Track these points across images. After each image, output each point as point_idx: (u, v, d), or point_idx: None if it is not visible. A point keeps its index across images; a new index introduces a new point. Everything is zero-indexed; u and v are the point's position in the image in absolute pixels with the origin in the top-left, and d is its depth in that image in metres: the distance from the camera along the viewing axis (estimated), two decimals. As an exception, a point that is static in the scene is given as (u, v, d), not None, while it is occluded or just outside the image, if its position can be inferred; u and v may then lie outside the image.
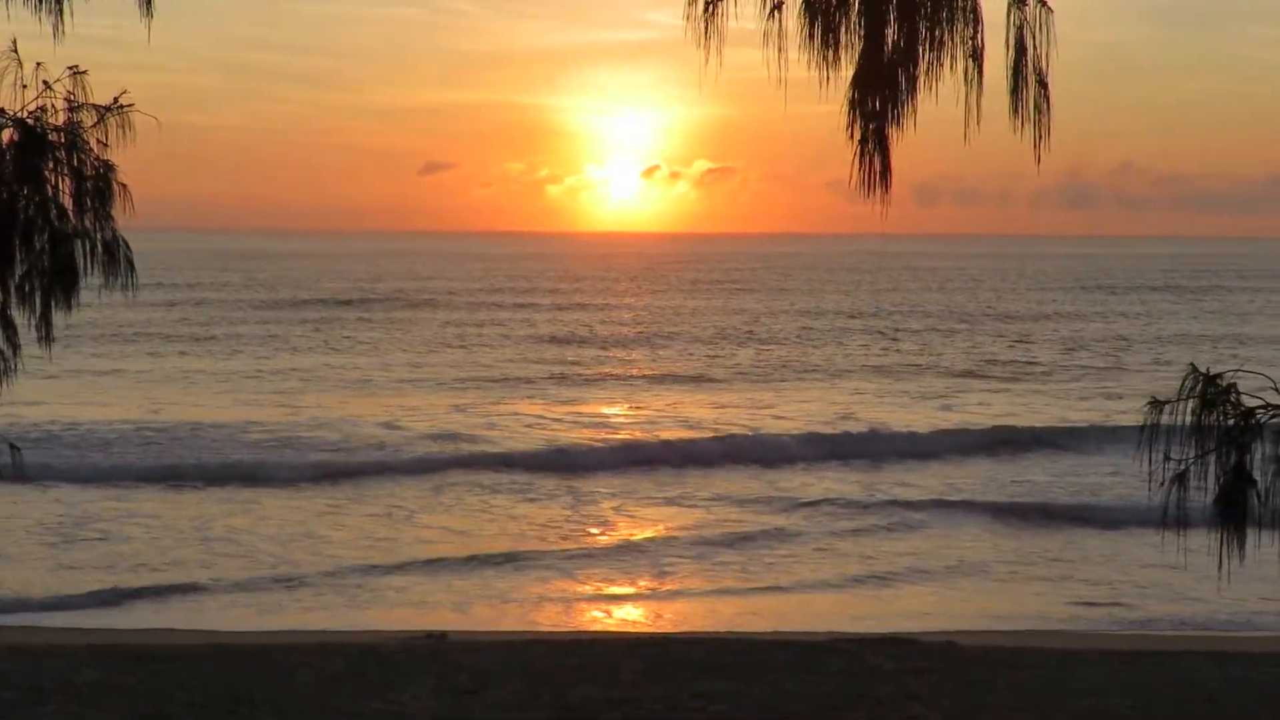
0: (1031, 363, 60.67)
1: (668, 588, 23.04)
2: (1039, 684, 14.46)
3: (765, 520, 28.22)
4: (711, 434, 37.97)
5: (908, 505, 29.64)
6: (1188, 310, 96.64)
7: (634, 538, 26.71)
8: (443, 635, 17.56)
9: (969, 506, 29.56)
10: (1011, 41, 7.54)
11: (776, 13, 7.57)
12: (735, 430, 38.67)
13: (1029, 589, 23.21)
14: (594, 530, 27.49)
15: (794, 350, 66.24)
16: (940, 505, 29.58)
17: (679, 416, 42.40)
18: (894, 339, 71.67)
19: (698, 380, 53.87)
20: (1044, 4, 7.68)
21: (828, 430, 38.53)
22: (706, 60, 7.58)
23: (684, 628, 20.13)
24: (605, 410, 44.75)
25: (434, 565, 23.91)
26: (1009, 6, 7.52)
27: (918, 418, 42.28)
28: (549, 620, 20.87)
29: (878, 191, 7.55)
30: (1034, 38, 7.55)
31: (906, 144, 8.09)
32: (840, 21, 7.52)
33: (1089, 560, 25.19)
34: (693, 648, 16.02)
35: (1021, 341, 71.56)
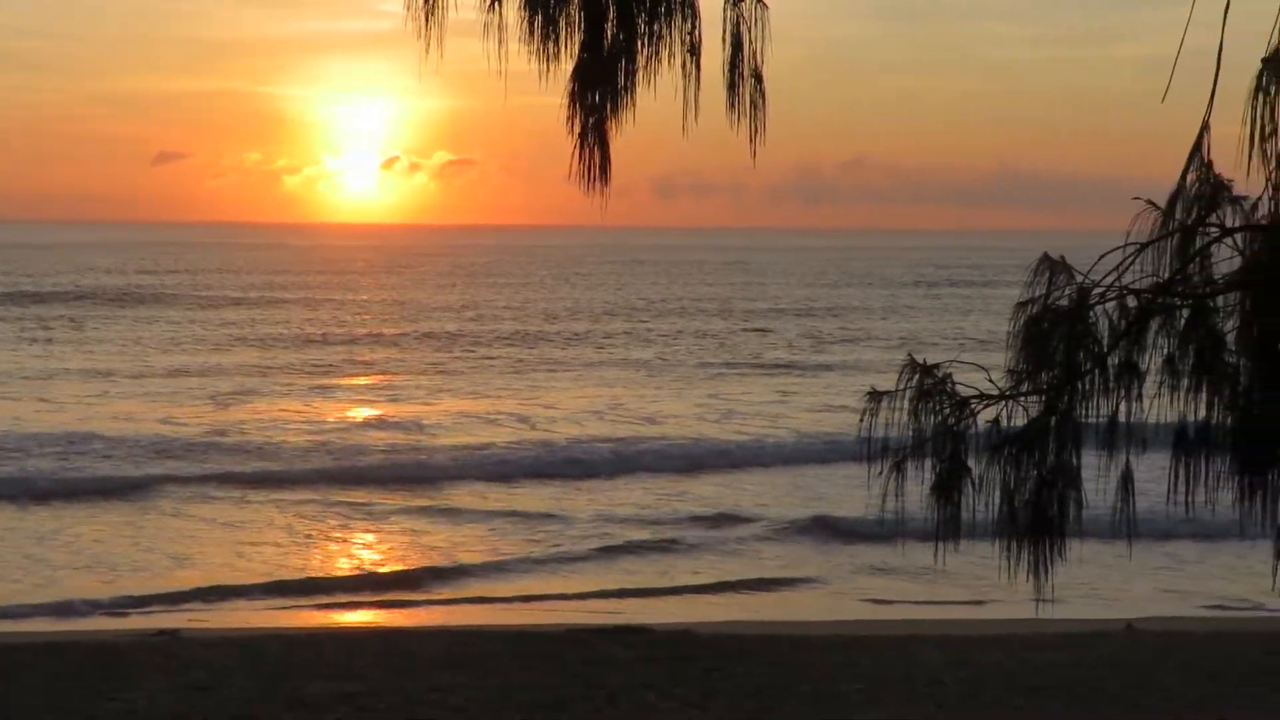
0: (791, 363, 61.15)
1: (410, 596, 22.77)
2: (772, 670, 14.66)
3: (508, 528, 27.89)
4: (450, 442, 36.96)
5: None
6: (929, 305, 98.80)
7: (377, 544, 26.40)
8: (175, 632, 17.24)
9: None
10: (728, 37, 7.60)
11: (497, 5, 7.54)
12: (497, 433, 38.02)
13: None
14: (334, 536, 27.01)
15: (553, 348, 65.74)
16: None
17: (449, 418, 41.62)
18: (647, 339, 71.67)
19: (445, 375, 53.60)
20: (760, 1, 7.76)
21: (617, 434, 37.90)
22: (427, 52, 7.53)
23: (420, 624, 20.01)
24: (362, 413, 43.33)
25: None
26: (725, 3, 7.59)
27: (684, 409, 42.74)
28: (284, 618, 20.58)
29: (598, 185, 7.57)
30: (750, 34, 7.62)
31: (643, 138, 8.13)
32: (560, 14, 7.52)
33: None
34: (427, 642, 15.94)
35: (810, 337, 72.35)
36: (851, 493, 28.29)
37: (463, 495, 30.50)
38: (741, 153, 7.78)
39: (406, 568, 23.93)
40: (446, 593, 22.26)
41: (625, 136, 7.72)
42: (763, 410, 43.30)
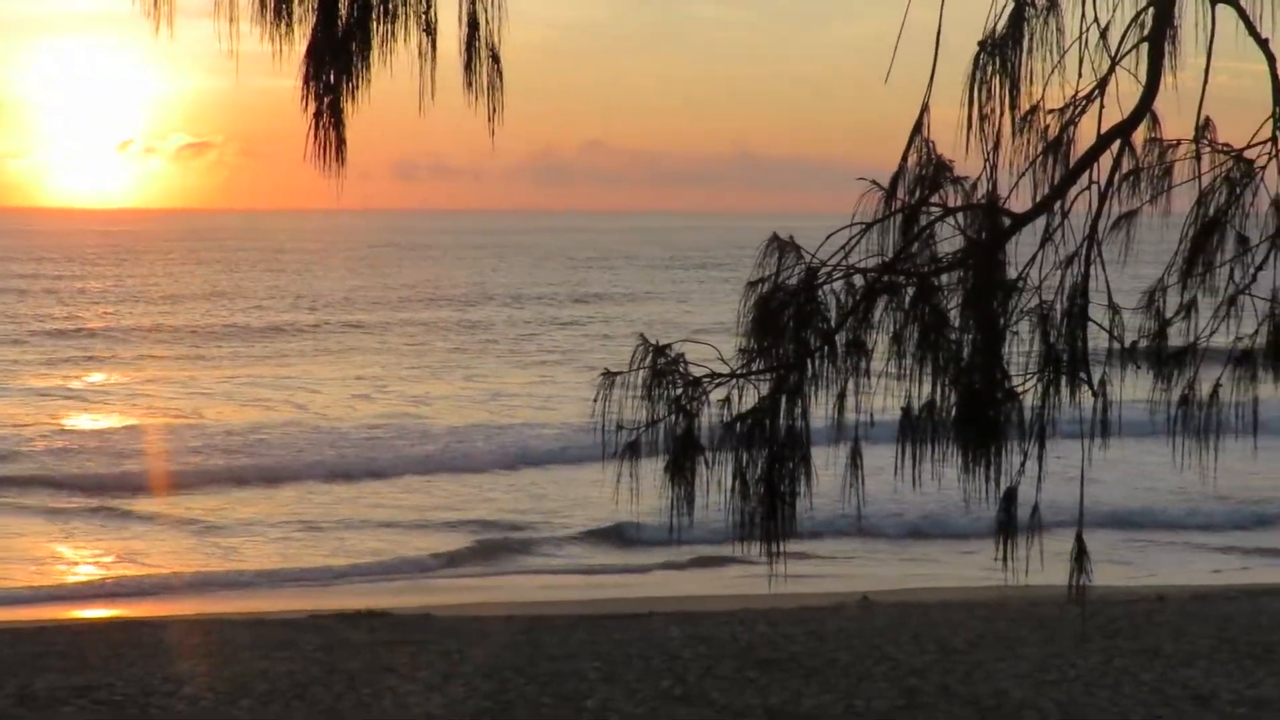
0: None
1: (148, 573, 22.40)
2: (511, 650, 14.73)
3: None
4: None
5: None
6: (673, 289, 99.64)
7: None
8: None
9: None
10: (464, 17, 7.59)
11: (228, -17, 7.44)
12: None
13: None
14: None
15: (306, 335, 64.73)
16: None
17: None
18: (397, 325, 70.98)
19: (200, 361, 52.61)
20: (498, -21, 7.75)
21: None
22: (157, 30, 7.41)
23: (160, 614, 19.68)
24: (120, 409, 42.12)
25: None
26: (463, -19, 7.57)
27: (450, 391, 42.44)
28: (5, 614, 20.06)
29: (334, 166, 7.52)
30: (487, 13, 7.62)
31: (383, 120, 8.08)
32: (294, -6, 7.45)
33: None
34: (163, 630, 15.70)
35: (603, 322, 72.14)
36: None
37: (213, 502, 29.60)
38: (481, 135, 7.79)
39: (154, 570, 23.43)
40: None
41: (364, 118, 7.68)
42: (531, 394, 43.43)
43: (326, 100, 7.48)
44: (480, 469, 31.29)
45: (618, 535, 24.13)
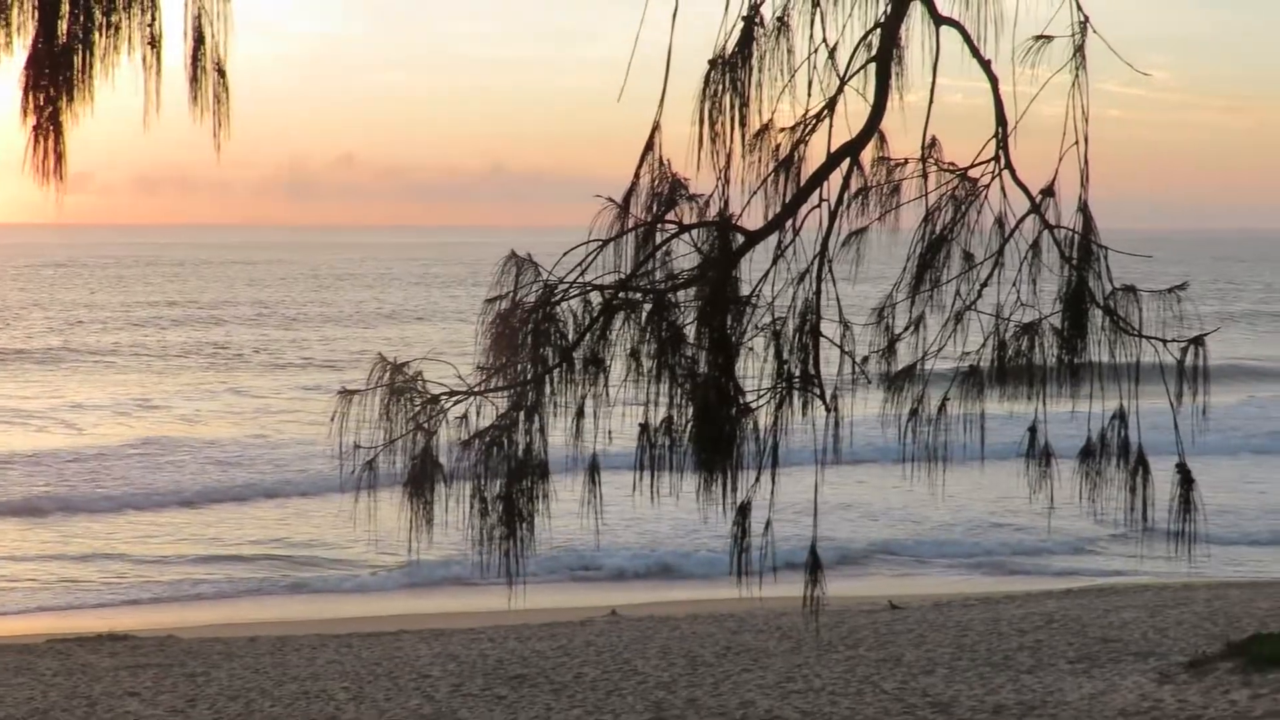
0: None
1: None
2: (256, 672, 14.51)
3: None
4: None
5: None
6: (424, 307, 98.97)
7: None
8: None
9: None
10: (189, 30, 7.45)
11: (-58, -7, 7.21)
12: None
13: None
14: None
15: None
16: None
17: None
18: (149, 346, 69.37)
19: None
20: (220, -8, 7.62)
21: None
22: None
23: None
24: None
25: None
26: (188, -7, 7.44)
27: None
28: None
29: (53, 179, 7.33)
30: (213, 27, 7.50)
31: (124, 133, 7.87)
32: (13, 3, 7.25)
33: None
34: (-108, 659, 15.19)
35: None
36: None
37: None
38: (228, 148, 7.65)
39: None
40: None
41: (103, 130, 7.50)
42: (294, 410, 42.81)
43: (46, 112, 7.29)
44: (242, 496, 30.58)
45: (370, 552, 23.85)
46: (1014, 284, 8.10)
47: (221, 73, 7.51)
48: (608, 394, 8.37)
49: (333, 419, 8.23)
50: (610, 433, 8.34)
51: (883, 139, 8.03)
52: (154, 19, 7.36)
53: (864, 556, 24.79)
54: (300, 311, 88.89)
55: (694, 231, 8.04)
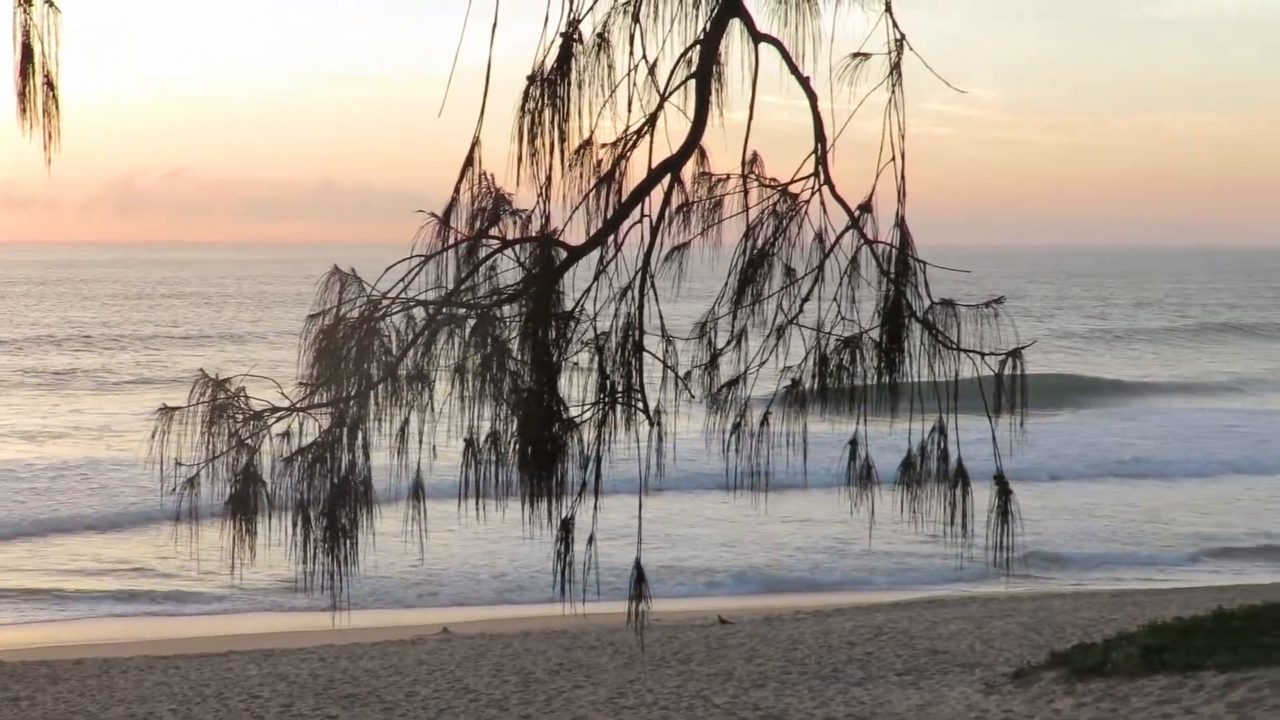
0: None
1: None
2: (82, 695, 14.29)
3: None
4: None
5: None
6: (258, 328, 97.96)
7: None
8: None
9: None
10: (18, 43, 7.33)
11: None
12: None
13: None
14: None
15: None
16: None
17: None
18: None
19: None
20: (52, 5, 7.53)
21: None
22: None
23: None
24: None
25: None
26: (15, 5, 7.32)
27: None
28: None
29: None
30: (42, 41, 7.39)
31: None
32: None
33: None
34: None
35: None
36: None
37: None
38: (53, 164, 7.53)
39: None
40: None
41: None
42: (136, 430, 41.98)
43: None
44: (66, 518, 29.95)
45: (195, 572, 23.46)
46: (834, 299, 8.18)
47: (51, 85, 7.39)
48: (433, 409, 8.34)
49: (153, 436, 8.13)
50: (435, 448, 8.32)
51: (704, 155, 8.07)
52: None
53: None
54: (134, 330, 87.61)
55: (517, 247, 8.04)
